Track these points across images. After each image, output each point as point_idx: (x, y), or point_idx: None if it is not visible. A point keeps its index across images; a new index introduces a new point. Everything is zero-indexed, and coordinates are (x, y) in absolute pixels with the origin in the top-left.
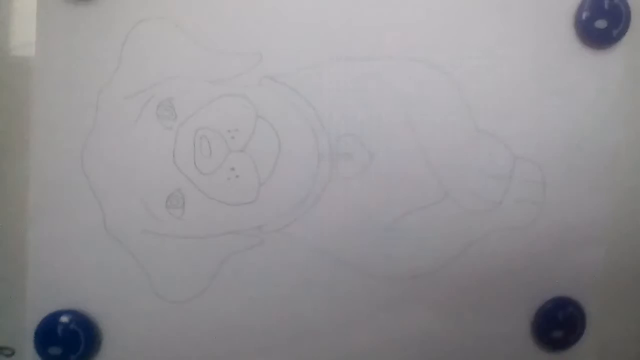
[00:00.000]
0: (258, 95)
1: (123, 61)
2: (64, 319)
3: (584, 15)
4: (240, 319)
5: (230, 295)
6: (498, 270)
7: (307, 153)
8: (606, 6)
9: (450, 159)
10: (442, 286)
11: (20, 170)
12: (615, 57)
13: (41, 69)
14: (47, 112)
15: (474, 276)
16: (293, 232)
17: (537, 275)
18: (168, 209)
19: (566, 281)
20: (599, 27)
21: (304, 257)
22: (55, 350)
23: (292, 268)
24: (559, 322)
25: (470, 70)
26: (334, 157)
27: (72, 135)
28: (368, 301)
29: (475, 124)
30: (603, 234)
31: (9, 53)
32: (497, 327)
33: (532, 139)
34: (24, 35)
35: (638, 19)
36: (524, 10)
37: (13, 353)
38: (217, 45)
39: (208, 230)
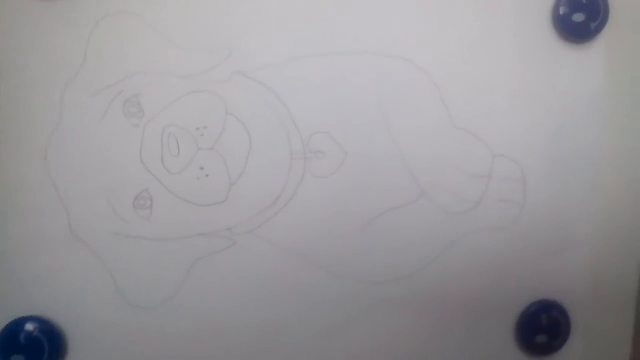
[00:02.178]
0: (228, 91)
1: (88, 56)
2: (28, 326)
3: (561, 9)
4: (210, 323)
5: (201, 300)
6: (478, 272)
7: (279, 151)
8: (583, 0)
9: (427, 157)
10: (421, 289)
11: None
12: (594, 51)
13: (3, 65)
14: (9, 110)
15: (454, 279)
16: (265, 233)
17: (519, 277)
18: (135, 210)
19: (549, 283)
20: (576, 21)
21: (277, 259)
22: (18, 359)
23: (265, 271)
24: (542, 326)
25: (447, 66)
26: (307, 156)
27: (35, 133)
28: (344, 305)
29: (452, 122)
30: (587, 233)
31: None
32: (479, 332)
33: (511, 136)
34: None
35: (616, 11)
36: (501, 6)
37: None
38: (184, 40)
39: (177, 231)
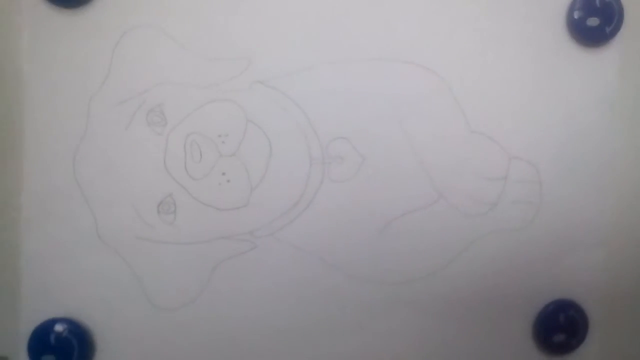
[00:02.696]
0: (248, 100)
1: (113, 68)
2: (58, 327)
3: (576, 13)
4: (233, 325)
5: (224, 301)
6: (496, 273)
7: (299, 157)
8: (598, 4)
9: (443, 160)
10: (439, 291)
11: (12, 178)
12: (609, 55)
13: (32, 77)
14: (38, 120)
15: (472, 280)
16: (285, 236)
17: (536, 277)
18: (160, 215)
19: (566, 283)
20: (591, 25)
21: (297, 262)
22: (48, 359)
23: (285, 273)
24: (560, 325)
25: (462, 71)
26: (325, 161)
27: (63, 142)
28: (363, 306)
29: (468, 125)
30: (603, 233)
31: None
32: (497, 332)
33: (526, 138)
34: (14, 44)
35: (631, 15)
36: (515, 11)
37: None
38: (205, 51)
39: (200, 236)
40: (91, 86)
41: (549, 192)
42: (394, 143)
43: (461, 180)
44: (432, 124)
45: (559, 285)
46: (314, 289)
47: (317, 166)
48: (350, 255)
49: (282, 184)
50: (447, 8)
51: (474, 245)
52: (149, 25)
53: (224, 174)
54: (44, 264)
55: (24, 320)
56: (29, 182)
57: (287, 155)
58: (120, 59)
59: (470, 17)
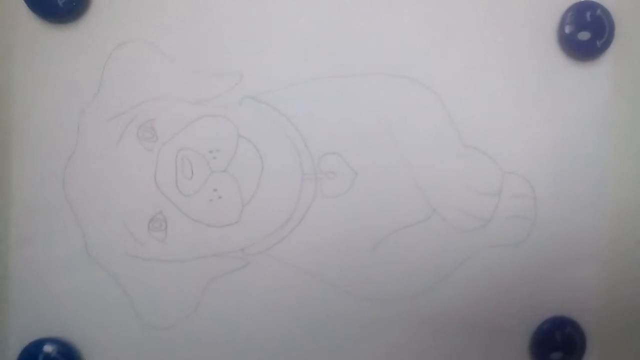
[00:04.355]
0: (239, 115)
1: (104, 83)
2: (47, 347)
3: (567, 28)
4: (225, 343)
5: (215, 320)
6: (491, 290)
7: (291, 172)
8: (588, 18)
9: (436, 175)
10: (434, 308)
11: (0, 194)
12: (601, 68)
13: (22, 92)
14: (28, 135)
15: (466, 297)
16: (277, 253)
17: (532, 294)
18: (150, 232)
19: (563, 300)
20: (582, 39)
21: (289, 279)
22: None
23: (277, 290)
24: (557, 343)
25: (455, 86)
26: (317, 176)
27: (53, 157)
28: (356, 324)
29: (461, 140)
30: (599, 248)
31: None
32: (493, 349)
33: (520, 153)
34: (4, 58)
35: (622, 29)
36: (507, 26)
37: None
38: (197, 66)
39: (191, 253)
40: (81, 101)
41: (544, 208)
42: (387, 158)
43: (455, 196)
44: (425, 138)
45: (555, 302)
46: (307, 306)
47: (309, 181)
48: (344, 272)
49: (274, 199)
50: (439, 23)
51: (469, 262)
52: (140, 40)
53: (215, 190)
54: (32, 282)
55: (12, 340)
56: (17, 198)
57: (278, 170)
58: (111, 74)
59: (462, 32)
